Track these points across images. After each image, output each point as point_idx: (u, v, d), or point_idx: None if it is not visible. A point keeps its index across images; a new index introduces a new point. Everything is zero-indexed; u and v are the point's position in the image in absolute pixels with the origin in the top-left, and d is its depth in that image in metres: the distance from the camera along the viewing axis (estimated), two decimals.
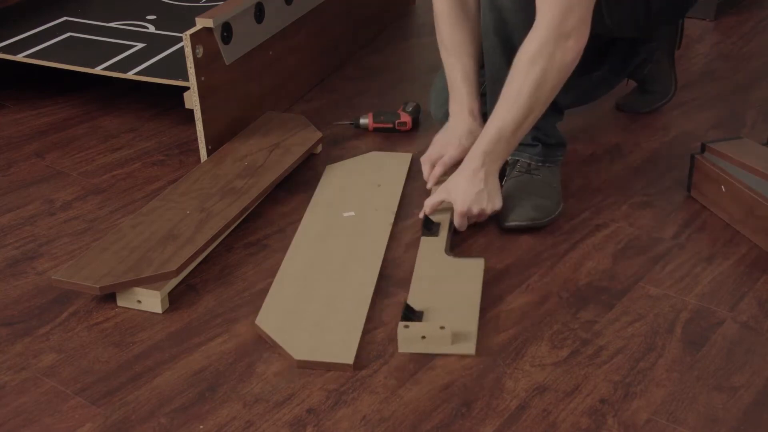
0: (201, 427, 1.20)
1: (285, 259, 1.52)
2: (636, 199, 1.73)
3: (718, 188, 1.64)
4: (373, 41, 2.47)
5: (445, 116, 1.87)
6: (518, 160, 1.69)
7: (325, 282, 1.46)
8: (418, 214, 1.61)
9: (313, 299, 1.41)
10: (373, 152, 1.84)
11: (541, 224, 1.61)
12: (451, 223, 1.59)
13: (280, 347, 1.32)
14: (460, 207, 1.57)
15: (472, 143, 1.62)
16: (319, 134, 1.88)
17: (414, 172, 1.79)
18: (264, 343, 1.35)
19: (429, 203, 1.60)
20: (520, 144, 1.67)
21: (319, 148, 1.89)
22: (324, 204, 1.67)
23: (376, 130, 1.97)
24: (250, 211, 1.66)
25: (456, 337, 1.33)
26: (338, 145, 1.93)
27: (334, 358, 1.30)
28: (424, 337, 1.32)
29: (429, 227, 1.59)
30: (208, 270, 1.53)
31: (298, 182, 1.79)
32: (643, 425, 1.20)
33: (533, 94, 1.49)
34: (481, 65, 1.73)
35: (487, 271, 1.51)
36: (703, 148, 1.70)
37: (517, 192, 1.63)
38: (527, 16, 1.51)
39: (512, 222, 1.61)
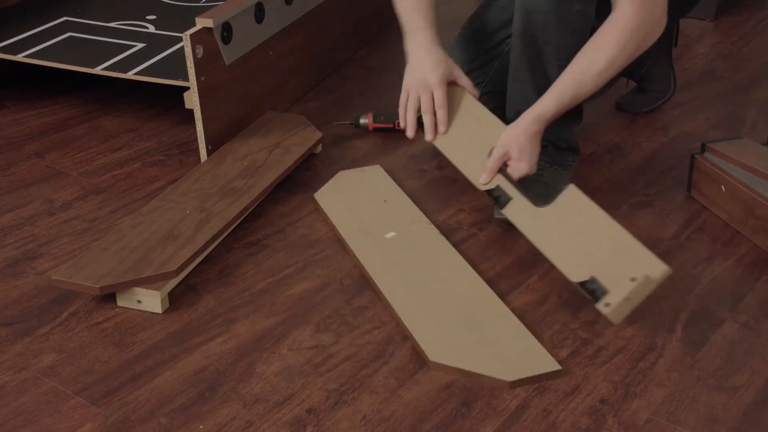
0: (201, 427, 1.20)
1: (386, 293, 1.44)
2: (636, 199, 1.73)
3: (718, 188, 1.64)
4: (373, 41, 2.47)
5: (463, 63, 1.82)
6: None
7: (448, 304, 1.41)
8: (482, 183, 1.52)
9: (456, 323, 1.37)
10: (341, 172, 1.79)
11: None
12: (510, 179, 1.52)
13: (485, 377, 1.28)
14: (528, 168, 1.49)
15: (446, 71, 1.57)
16: (319, 134, 1.88)
17: (399, 180, 1.79)
18: (264, 343, 1.35)
19: (492, 167, 1.50)
20: None
21: (319, 148, 1.89)
22: (357, 232, 1.60)
23: (376, 130, 1.97)
24: (250, 211, 1.66)
25: (644, 276, 1.29)
26: (338, 145, 1.93)
27: (542, 369, 1.28)
28: (628, 299, 1.30)
29: (498, 198, 1.52)
30: (208, 270, 1.53)
31: (298, 182, 1.79)
32: (643, 425, 1.20)
33: (620, 68, 1.48)
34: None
35: (487, 270, 1.51)
36: (703, 148, 1.70)
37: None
38: (558, 18, 1.52)
39: (501, 216, 1.60)
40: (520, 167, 1.50)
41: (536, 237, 1.45)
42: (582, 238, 1.39)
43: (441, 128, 1.59)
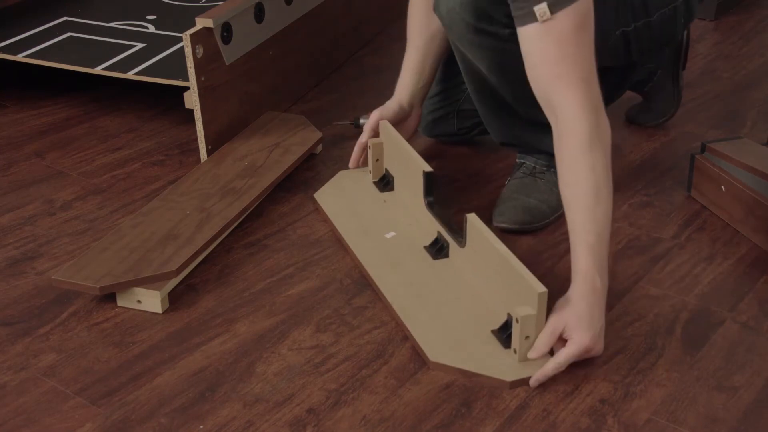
0: (201, 427, 1.20)
1: (386, 293, 1.43)
2: (636, 199, 1.73)
3: (718, 188, 1.64)
4: (373, 41, 2.47)
5: (425, 129, 1.91)
6: (524, 163, 1.69)
7: (448, 304, 1.41)
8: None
9: (456, 323, 1.37)
10: (341, 172, 1.79)
11: (532, 228, 1.61)
12: (451, 227, 1.52)
13: (485, 377, 1.28)
14: (594, 345, 1.27)
15: (384, 113, 1.72)
16: (319, 134, 1.88)
17: None
18: (264, 343, 1.35)
19: (546, 342, 1.27)
20: (526, 150, 1.68)
21: (319, 148, 1.89)
22: (357, 232, 1.60)
23: None
24: (250, 211, 1.66)
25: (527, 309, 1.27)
26: (338, 145, 1.93)
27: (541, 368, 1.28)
28: (527, 337, 1.28)
29: (441, 248, 1.52)
30: (208, 270, 1.53)
31: (298, 182, 1.79)
32: (643, 425, 1.20)
33: (606, 180, 1.33)
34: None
35: None
36: (703, 148, 1.70)
37: (515, 194, 1.63)
38: (507, 76, 1.53)
39: (501, 223, 1.61)
40: (579, 348, 1.27)
41: (473, 279, 1.44)
42: (492, 274, 1.38)
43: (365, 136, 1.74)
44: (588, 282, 1.28)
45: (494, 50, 1.49)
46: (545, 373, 1.25)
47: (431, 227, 1.56)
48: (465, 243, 1.45)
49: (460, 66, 1.62)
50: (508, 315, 1.32)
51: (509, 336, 1.31)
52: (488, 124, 1.70)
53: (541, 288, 1.26)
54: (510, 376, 1.27)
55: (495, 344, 1.33)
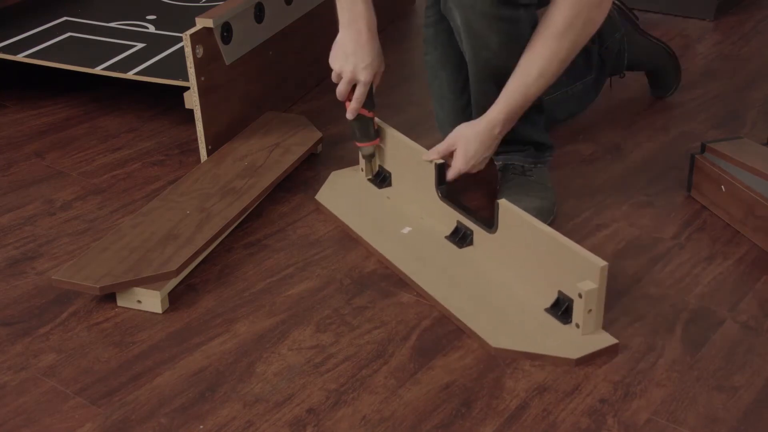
0: (201, 427, 1.20)
1: (428, 289, 1.44)
2: (636, 199, 1.73)
3: (718, 188, 1.64)
4: None
5: (442, 125, 1.86)
6: (511, 164, 1.69)
7: (489, 291, 1.42)
8: (424, 158, 1.57)
9: (503, 308, 1.38)
10: (334, 172, 1.79)
11: None
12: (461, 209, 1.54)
13: (550, 357, 1.30)
14: (463, 166, 1.55)
15: (374, 70, 1.63)
16: (319, 134, 1.88)
17: None
18: (264, 343, 1.35)
19: (440, 150, 1.56)
20: (510, 149, 1.67)
21: (320, 148, 1.90)
22: (372, 231, 1.60)
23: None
24: (250, 211, 1.66)
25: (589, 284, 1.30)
26: (338, 145, 1.93)
27: (601, 344, 1.31)
28: (590, 311, 1.31)
29: (464, 236, 1.53)
30: (208, 270, 1.53)
31: (298, 182, 1.79)
32: (643, 425, 1.20)
33: (562, 66, 1.48)
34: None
35: None
36: (703, 148, 1.71)
37: (516, 194, 1.63)
38: (511, 52, 1.53)
39: None
40: (455, 163, 1.56)
41: (508, 262, 1.45)
42: (534, 254, 1.39)
43: (349, 115, 1.67)
44: (489, 127, 1.53)
45: (510, 22, 1.51)
46: (437, 150, 1.57)
47: (447, 217, 1.56)
48: (496, 228, 1.46)
49: (469, 53, 1.59)
50: (559, 292, 1.35)
51: (564, 312, 1.34)
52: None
53: (602, 262, 1.29)
54: (574, 354, 1.29)
55: (549, 323, 1.35)
